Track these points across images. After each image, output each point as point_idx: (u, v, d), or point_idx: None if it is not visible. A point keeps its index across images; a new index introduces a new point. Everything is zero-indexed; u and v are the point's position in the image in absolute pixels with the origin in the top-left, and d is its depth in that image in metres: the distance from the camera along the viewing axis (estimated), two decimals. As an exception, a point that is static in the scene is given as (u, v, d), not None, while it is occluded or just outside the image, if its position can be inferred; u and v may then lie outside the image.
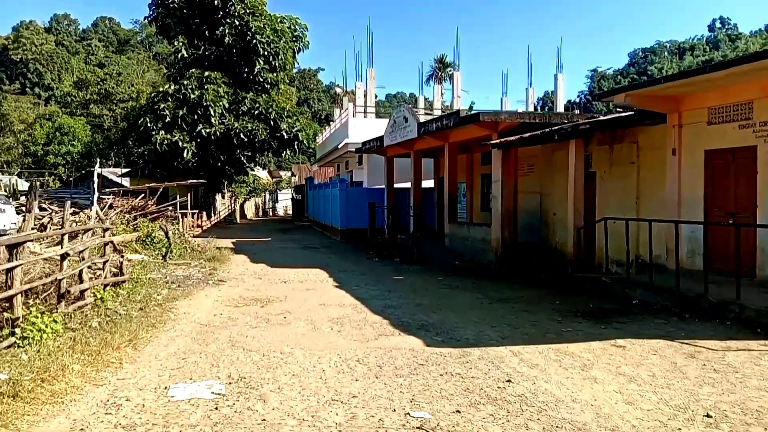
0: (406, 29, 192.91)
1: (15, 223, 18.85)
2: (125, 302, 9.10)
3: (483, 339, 7.52)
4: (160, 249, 15.95)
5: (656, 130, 11.88)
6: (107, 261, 9.68)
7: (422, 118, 19.94)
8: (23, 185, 38.50)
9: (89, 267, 10.07)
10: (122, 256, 14.54)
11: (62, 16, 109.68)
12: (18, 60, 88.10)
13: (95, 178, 12.16)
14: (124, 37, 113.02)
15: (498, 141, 13.85)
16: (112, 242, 10.15)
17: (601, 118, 12.23)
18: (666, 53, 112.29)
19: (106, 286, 9.48)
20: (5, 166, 48.77)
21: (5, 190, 27.11)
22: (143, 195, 20.77)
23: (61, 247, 7.52)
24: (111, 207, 17.50)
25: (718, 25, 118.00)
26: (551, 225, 15.35)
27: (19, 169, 47.66)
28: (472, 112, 17.53)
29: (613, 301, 10.27)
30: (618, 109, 13.16)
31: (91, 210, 10.81)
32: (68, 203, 8.60)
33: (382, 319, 8.70)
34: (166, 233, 16.05)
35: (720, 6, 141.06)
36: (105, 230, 10.02)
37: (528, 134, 12.91)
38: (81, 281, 8.28)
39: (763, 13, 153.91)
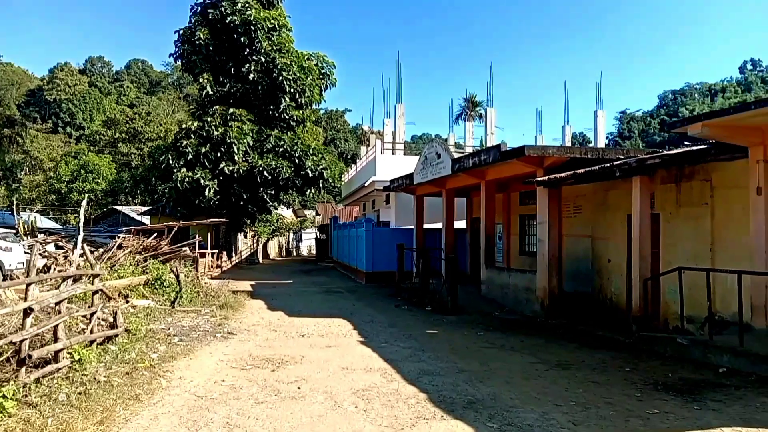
0: (436, 67, 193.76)
1: (22, 263, 17.70)
2: (111, 363, 7.60)
3: (551, 427, 5.83)
4: (170, 294, 14.56)
5: (734, 166, 10.21)
6: (94, 313, 8.25)
7: (455, 155, 18.50)
8: (45, 222, 37.87)
9: (84, 317, 8.70)
10: (127, 301, 13.27)
11: (97, 58, 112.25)
12: (52, 100, 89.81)
13: (81, 217, 10.92)
14: (156, 79, 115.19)
15: (546, 178, 12.29)
16: (101, 290, 8.74)
17: (672, 152, 10.63)
18: (696, 95, 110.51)
19: (92, 342, 8.04)
20: (30, 203, 48.58)
21: (24, 228, 26.13)
22: (156, 234, 19.54)
23: (25, 300, 6.11)
24: (120, 247, 16.24)
25: (749, 66, 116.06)
26: (605, 273, 13.60)
27: (41, 206, 47.32)
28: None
29: (695, 369, 8.50)
30: (688, 142, 11.58)
31: (73, 253, 9.45)
32: (36, 245, 7.23)
33: (419, 391, 7.05)
34: (177, 276, 14.68)
35: (749, 48, 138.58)
36: (94, 276, 8.63)
37: (583, 170, 11.33)
38: (56, 339, 6.84)
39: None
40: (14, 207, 33.80)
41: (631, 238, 11.60)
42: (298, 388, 7.19)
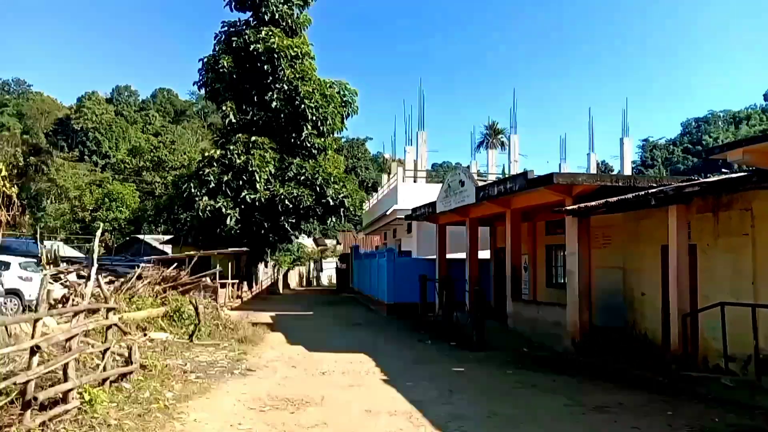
0: (458, 94, 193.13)
1: (42, 293, 17.58)
2: (123, 404, 7.25)
3: (595, 483, 5.33)
4: (188, 326, 14.25)
5: (776, 194, 9.69)
6: (108, 349, 7.94)
7: (479, 183, 18.10)
8: (68, 251, 38.09)
9: (101, 353, 8.40)
10: (145, 335, 12.97)
11: (123, 88, 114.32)
12: (79, 129, 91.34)
13: (95, 247, 10.75)
14: (181, 108, 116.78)
15: (576, 207, 11.84)
16: (116, 325, 8.45)
17: (710, 179, 10.15)
18: (720, 123, 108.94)
19: (104, 380, 7.71)
20: (54, 231, 49.11)
21: (46, 257, 26.18)
22: (176, 264, 19.37)
23: (32, 337, 5.82)
24: (140, 277, 16.05)
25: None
26: (638, 307, 13.01)
27: (64, 235, 47.75)
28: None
29: (742, 414, 7.88)
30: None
31: (86, 286, 9.19)
32: (46, 280, 6.97)
33: (448, 439, 6.59)
34: (196, 308, 14.39)
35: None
36: (108, 310, 8.36)
37: (615, 199, 10.87)
38: (66, 379, 6.53)
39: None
40: (37, 235, 34.03)
41: (665, 270, 11.06)
42: (319, 434, 6.77)
